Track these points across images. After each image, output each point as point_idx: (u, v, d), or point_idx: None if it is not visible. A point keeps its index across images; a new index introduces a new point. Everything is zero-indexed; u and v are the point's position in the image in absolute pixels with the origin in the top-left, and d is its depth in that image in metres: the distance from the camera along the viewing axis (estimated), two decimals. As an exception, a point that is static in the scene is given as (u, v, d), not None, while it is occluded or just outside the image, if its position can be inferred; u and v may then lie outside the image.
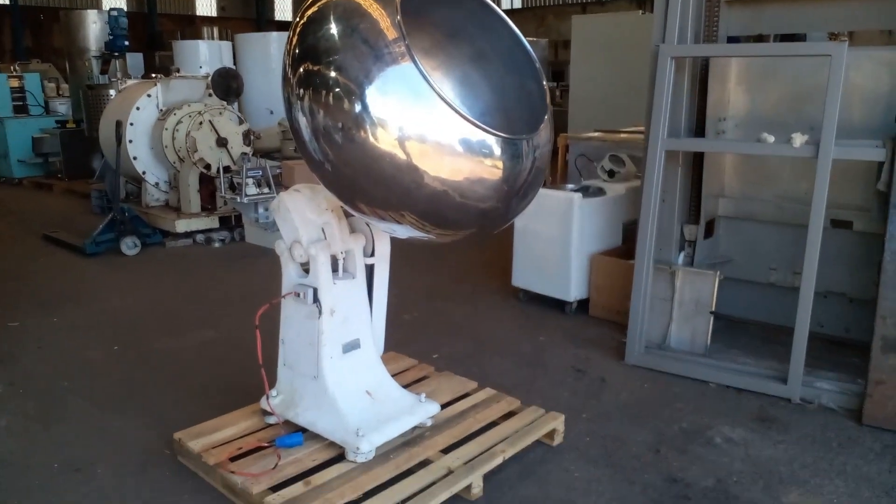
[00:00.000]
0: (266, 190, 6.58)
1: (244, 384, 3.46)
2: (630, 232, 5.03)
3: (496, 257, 5.76)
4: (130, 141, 7.38)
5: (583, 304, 4.81)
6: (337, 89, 2.11)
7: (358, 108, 2.09)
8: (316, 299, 2.84)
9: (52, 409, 3.47)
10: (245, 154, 7.13)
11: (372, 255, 3.02)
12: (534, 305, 4.96)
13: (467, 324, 4.70)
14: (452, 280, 5.70)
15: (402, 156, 2.12)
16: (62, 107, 12.67)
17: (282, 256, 2.94)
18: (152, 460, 2.98)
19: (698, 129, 4.15)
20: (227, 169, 6.80)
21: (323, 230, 2.87)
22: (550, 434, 3.06)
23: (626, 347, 4.04)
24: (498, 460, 2.75)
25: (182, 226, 7.04)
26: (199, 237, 7.10)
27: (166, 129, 7.23)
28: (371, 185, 2.23)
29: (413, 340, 4.23)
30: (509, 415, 3.15)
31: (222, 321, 4.75)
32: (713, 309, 4.03)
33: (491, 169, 2.21)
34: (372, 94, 2.08)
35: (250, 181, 6.43)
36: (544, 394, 3.61)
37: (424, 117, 2.11)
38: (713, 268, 4.16)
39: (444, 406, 3.12)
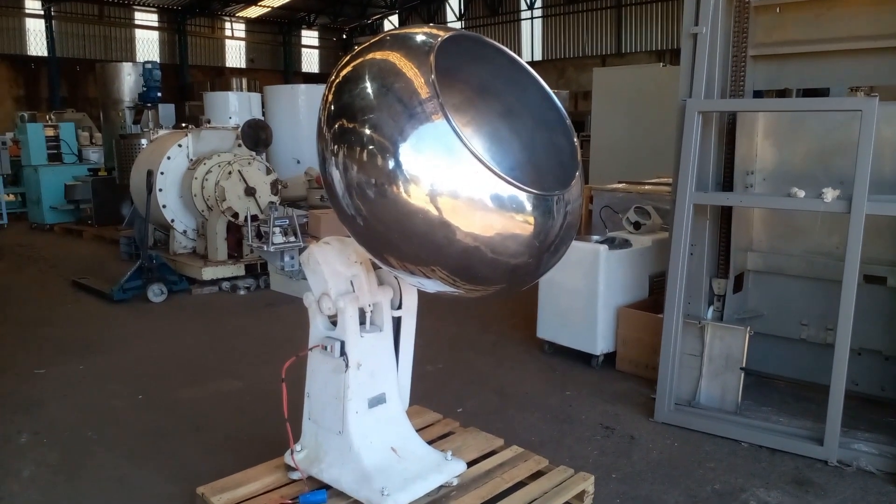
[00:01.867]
0: (292, 239, 6.64)
1: (269, 435, 3.43)
2: (657, 284, 4.98)
3: (521, 307, 5.72)
4: (160, 189, 7.53)
5: (609, 358, 4.73)
6: (371, 146, 2.13)
7: (391, 164, 2.11)
8: (343, 352, 2.82)
9: (76, 460, 3.45)
10: (272, 203, 7.25)
11: (399, 307, 3.01)
12: (559, 357, 4.89)
13: (492, 376, 4.64)
14: (476, 330, 5.65)
15: (433, 212, 2.12)
16: (94, 155, 12.98)
17: (310, 308, 2.95)
18: (174, 515, 2.95)
19: (726, 183, 4.13)
20: (254, 217, 6.88)
21: (351, 282, 2.87)
22: (580, 495, 2.97)
23: (655, 404, 3.95)
24: (526, 522, 2.67)
25: (209, 273, 7.10)
26: (225, 284, 7.16)
27: (196, 178, 7.36)
28: (402, 240, 2.24)
29: (437, 393, 4.19)
30: (537, 474, 3.07)
31: (247, 370, 4.74)
32: (744, 365, 3.95)
33: (522, 225, 2.21)
34: (405, 151, 2.10)
35: (277, 230, 6.50)
36: (573, 451, 3.53)
37: (456, 173, 2.12)
38: (743, 323, 4.09)
39: (470, 464, 3.05)
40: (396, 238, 2.24)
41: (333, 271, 2.86)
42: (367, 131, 2.14)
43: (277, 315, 6.25)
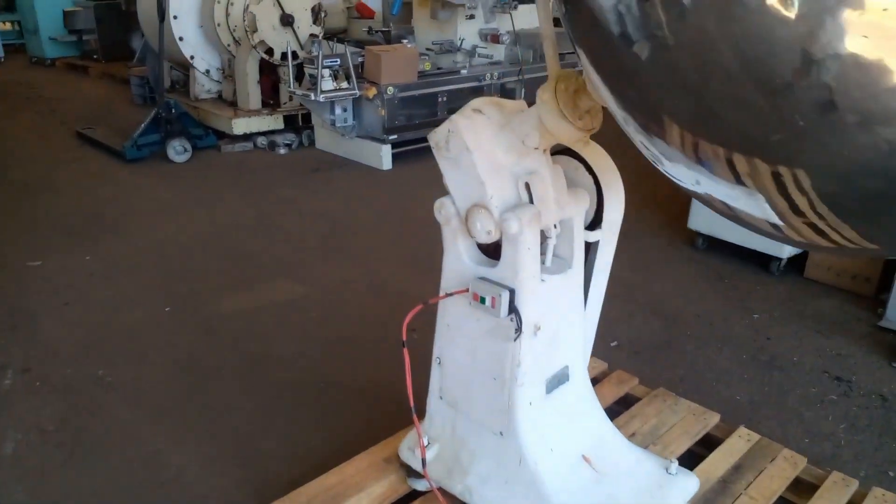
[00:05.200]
0: (344, 84, 5.25)
1: (359, 383, 2.39)
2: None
3: (651, 186, 4.36)
4: (175, 17, 6.05)
5: (792, 261, 3.50)
6: None
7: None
8: (513, 308, 1.61)
9: (80, 423, 2.37)
10: (314, 37, 5.77)
11: (597, 224, 1.75)
12: (719, 258, 3.67)
13: (639, 285, 3.43)
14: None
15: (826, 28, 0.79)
16: (99, -24, 11.22)
17: (446, 226, 1.69)
18: (234, 540, 1.89)
19: None
20: (293, 55, 5.44)
21: (527, 186, 1.59)
22: (879, 531, 1.87)
23: (904, 345, 2.77)
24: None
25: (240, 126, 5.79)
26: (261, 140, 5.86)
27: (219, 2, 5.86)
28: (734, 102, 0.91)
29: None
30: (798, 485, 1.95)
31: (307, 267, 3.58)
32: None
33: None
34: None
35: (326, 73, 5.09)
36: (808, 426, 2.39)
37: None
38: None
39: (682, 460, 1.93)
40: (721, 91, 0.92)
41: (494, 164, 1.58)
42: None
43: (330, 183, 5.01)
